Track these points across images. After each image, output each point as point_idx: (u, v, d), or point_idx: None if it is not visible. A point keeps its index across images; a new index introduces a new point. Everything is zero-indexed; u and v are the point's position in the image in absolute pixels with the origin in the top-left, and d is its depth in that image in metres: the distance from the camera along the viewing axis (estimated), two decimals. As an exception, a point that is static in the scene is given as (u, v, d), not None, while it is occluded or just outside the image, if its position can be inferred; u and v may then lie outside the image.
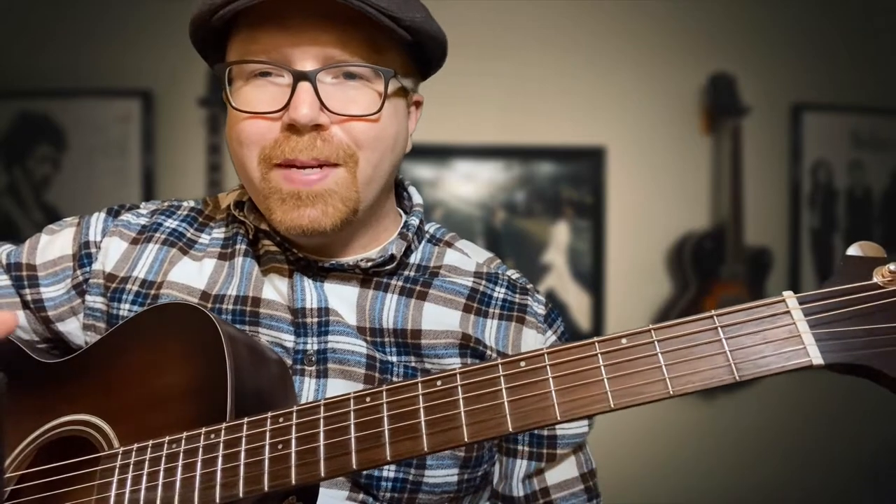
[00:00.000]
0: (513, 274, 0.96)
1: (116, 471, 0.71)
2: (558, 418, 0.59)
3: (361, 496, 0.82)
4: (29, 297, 0.93)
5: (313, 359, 0.83)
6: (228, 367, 0.71)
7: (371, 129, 0.82)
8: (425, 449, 0.62)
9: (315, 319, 0.85)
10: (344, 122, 0.80)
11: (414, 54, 0.87)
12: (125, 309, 0.88)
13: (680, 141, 2.75)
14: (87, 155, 2.60)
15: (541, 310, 0.93)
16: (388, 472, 0.82)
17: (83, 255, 0.92)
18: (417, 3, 0.84)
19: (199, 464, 0.67)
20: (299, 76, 0.78)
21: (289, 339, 0.84)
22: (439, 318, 0.88)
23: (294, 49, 0.79)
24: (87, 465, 0.75)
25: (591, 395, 0.59)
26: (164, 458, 0.69)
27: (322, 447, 0.64)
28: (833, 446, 2.73)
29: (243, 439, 0.67)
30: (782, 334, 0.58)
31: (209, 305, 0.86)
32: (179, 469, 0.68)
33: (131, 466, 0.70)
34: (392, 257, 0.88)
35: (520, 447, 0.91)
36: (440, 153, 2.68)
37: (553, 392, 0.60)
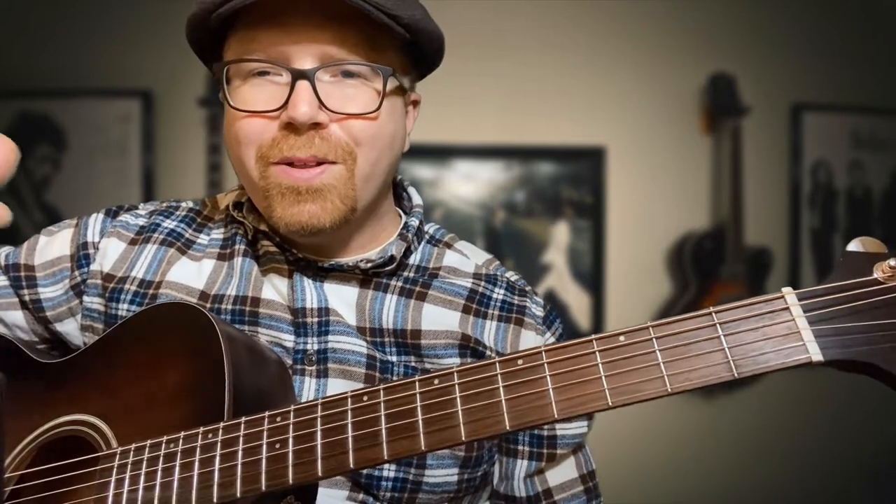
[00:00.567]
0: (512, 276, 0.96)
1: (114, 470, 0.70)
2: (556, 416, 0.59)
3: (361, 496, 0.82)
4: (27, 298, 0.93)
5: (313, 358, 0.83)
6: (227, 366, 0.71)
7: (370, 127, 0.81)
8: (422, 448, 0.61)
9: (315, 319, 0.84)
10: (342, 121, 0.80)
11: (411, 53, 0.87)
12: (123, 309, 0.88)
13: (680, 141, 2.75)
14: (87, 155, 2.60)
15: (539, 311, 0.93)
16: (388, 471, 0.82)
17: (81, 255, 0.92)
18: (415, 1, 0.84)
19: (196, 463, 0.67)
20: (298, 75, 0.78)
21: (289, 339, 0.84)
22: (439, 319, 0.88)
23: (292, 48, 0.79)
24: (85, 465, 0.75)
25: (589, 392, 0.59)
26: (161, 458, 0.69)
27: (319, 446, 0.64)
28: (833, 446, 2.73)
29: (241, 439, 0.66)
30: (781, 331, 0.57)
31: (208, 305, 0.86)
32: (177, 469, 0.67)
33: (129, 466, 0.70)
34: (392, 258, 0.88)
35: (520, 447, 0.91)
36: (440, 153, 2.68)
37: (550, 390, 0.59)
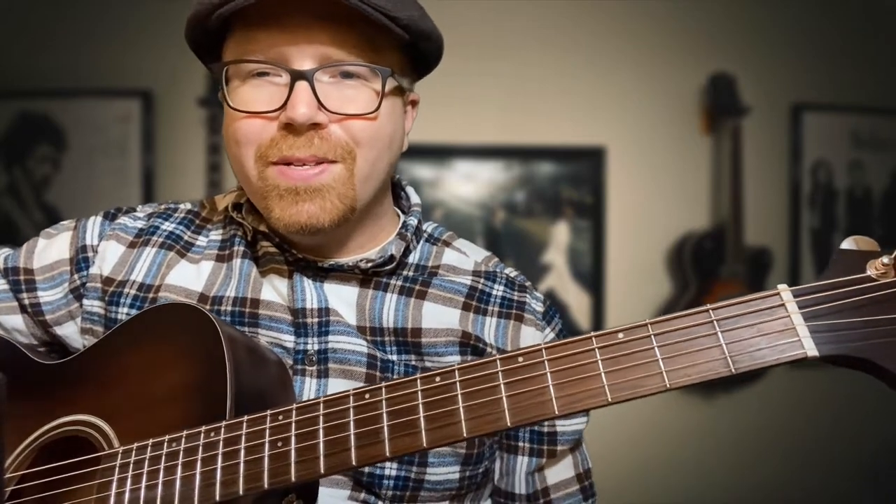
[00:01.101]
0: (511, 272, 0.96)
1: (116, 470, 0.71)
2: (556, 412, 0.60)
3: (363, 495, 0.82)
4: (27, 301, 0.93)
5: (314, 359, 0.84)
6: (228, 367, 0.71)
7: (369, 128, 0.82)
8: (424, 445, 0.62)
9: (315, 319, 0.85)
10: (342, 121, 0.81)
11: (410, 53, 0.87)
12: (123, 312, 0.88)
13: (680, 141, 2.75)
14: (87, 155, 2.61)
15: (539, 307, 0.94)
16: (390, 470, 0.82)
17: (80, 259, 0.92)
18: (413, 1, 0.84)
19: (198, 462, 0.67)
20: (297, 75, 0.78)
21: (289, 340, 0.84)
22: (439, 317, 0.88)
23: (291, 48, 0.79)
24: (87, 464, 0.75)
25: (589, 388, 0.59)
26: (163, 457, 0.69)
27: (322, 444, 0.64)
28: (833, 446, 2.73)
29: (243, 437, 0.67)
30: (777, 327, 0.58)
31: (207, 307, 0.86)
32: (179, 468, 0.68)
33: (131, 465, 0.70)
34: (391, 258, 0.88)
35: (520, 444, 0.91)
36: (440, 153, 2.68)
37: (551, 386, 0.60)
